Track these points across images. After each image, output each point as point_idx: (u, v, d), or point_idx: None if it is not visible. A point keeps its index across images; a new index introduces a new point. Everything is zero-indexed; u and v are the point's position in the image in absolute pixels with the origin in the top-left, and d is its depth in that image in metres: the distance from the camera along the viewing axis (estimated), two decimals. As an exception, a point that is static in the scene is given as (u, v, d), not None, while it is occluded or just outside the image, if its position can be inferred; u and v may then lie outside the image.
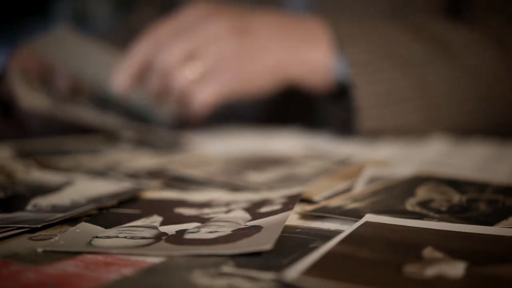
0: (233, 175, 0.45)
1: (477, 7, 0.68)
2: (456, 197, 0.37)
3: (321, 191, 0.39)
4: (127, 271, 0.26)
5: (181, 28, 0.62)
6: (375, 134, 0.62)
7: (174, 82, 0.62)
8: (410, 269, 0.25)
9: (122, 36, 0.86)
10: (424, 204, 0.36)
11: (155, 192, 0.40)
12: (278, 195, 0.38)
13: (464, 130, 0.63)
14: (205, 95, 0.62)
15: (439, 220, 0.33)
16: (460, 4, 0.70)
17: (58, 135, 0.62)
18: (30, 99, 0.64)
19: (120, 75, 0.64)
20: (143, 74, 0.64)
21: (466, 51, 0.62)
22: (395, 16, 0.70)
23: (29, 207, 0.36)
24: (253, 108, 0.79)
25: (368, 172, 0.44)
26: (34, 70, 0.68)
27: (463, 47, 0.63)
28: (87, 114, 0.66)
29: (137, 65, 0.63)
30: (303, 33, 0.63)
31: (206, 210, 0.35)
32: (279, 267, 0.26)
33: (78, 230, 0.31)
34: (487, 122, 0.64)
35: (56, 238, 0.30)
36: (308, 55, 0.62)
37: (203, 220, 0.33)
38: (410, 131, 0.62)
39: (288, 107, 0.76)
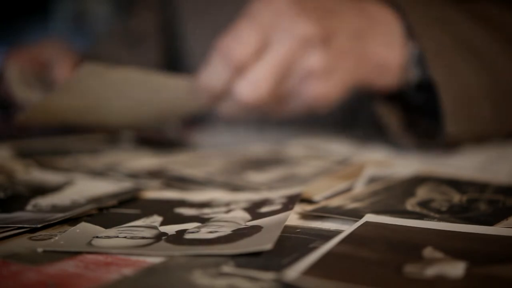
0: (233, 175, 0.45)
1: None
2: (457, 197, 0.37)
3: (321, 191, 0.39)
4: (127, 271, 0.26)
5: (264, 34, 0.51)
6: (455, 144, 0.55)
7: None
8: (410, 269, 0.25)
9: (121, 39, 0.86)
10: (424, 204, 0.36)
11: (155, 192, 0.40)
12: (278, 195, 0.38)
13: None
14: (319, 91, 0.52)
15: (439, 220, 0.33)
16: None
17: (58, 134, 0.62)
18: (26, 96, 0.64)
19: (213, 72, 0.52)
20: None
21: None
22: None
23: (29, 207, 0.36)
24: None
25: (368, 172, 0.44)
26: (31, 69, 0.68)
27: None
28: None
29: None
30: (377, 32, 0.54)
31: (206, 210, 0.35)
32: (279, 267, 0.26)
33: (78, 230, 0.31)
34: None
35: (56, 238, 0.30)
36: (382, 56, 0.54)
37: (203, 220, 0.33)
38: (487, 136, 0.56)
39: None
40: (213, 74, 0.51)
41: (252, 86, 0.50)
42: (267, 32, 0.50)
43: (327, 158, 0.51)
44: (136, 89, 0.51)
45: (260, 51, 0.50)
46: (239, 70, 0.50)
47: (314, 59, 0.50)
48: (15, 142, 0.57)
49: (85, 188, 0.40)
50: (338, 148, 0.58)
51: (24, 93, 0.64)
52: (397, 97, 0.57)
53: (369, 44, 0.53)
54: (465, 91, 0.53)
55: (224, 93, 0.52)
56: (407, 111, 0.58)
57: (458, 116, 0.53)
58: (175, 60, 0.84)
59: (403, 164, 0.48)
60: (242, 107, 0.52)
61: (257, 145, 0.59)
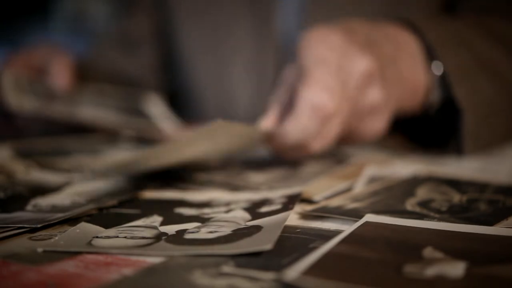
0: (233, 175, 0.45)
1: (473, 5, 0.66)
2: (456, 197, 0.37)
3: (321, 191, 0.39)
4: (127, 271, 0.26)
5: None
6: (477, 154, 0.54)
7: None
8: (410, 269, 0.25)
9: (116, 42, 0.86)
10: (424, 204, 0.36)
11: (155, 192, 0.40)
12: (278, 195, 0.38)
13: None
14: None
15: (439, 220, 0.33)
16: (455, 1, 0.68)
17: (58, 134, 0.62)
18: (21, 104, 0.64)
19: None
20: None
21: None
22: (389, 13, 0.67)
23: (29, 207, 0.36)
24: None
25: (368, 172, 0.44)
26: (27, 75, 0.68)
27: None
28: (85, 112, 0.66)
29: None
30: (404, 56, 0.52)
31: (206, 210, 0.35)
32: (279, 267, 0.26)
33: (78, 230, 0.31)
34: None
35: (56, 238, 0.30)
36: (412, 80, 0.52)
37: (203, 220, 0.33)
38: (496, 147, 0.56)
39: None
40: (302, 128, 0.46)
41: (325, 141, 0.47)
42: (339, 74, 0.47)
43: (327, 158, 0.51)
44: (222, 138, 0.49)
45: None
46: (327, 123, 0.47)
47: (375, 95, 0.49)
48: (15, 142, 0.57)
49: (85, 188, 0.40)
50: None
51: (19, 100, 0.64)
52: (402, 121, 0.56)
53: (401, 69, 0.52)
54: (487, 109, 0.53)
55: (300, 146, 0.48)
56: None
57: (478, 136, 0.53)
58: (170, 63, 0.84)
59: (403, 164, 0.48)
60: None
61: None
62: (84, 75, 0.75)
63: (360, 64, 0.48)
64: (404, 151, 0.56)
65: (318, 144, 0.47)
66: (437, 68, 0.53)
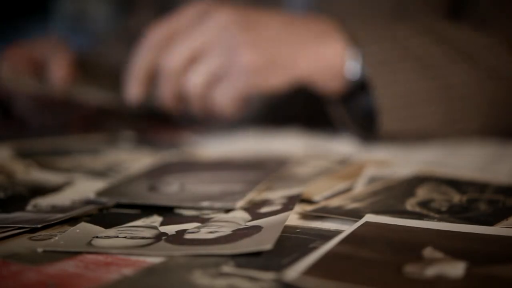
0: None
1: (480, 7, 0.67)
2: (456, 197, 0.37)
3: (321, 191, 0.39)
4: (127, 271, 0.26)
5: (180, 28, 0.60)
6: (394, 138, 0.59)
7: (184, 88, 0.60)
8: (410, 269, 0.25)
9: (121, 39, 0.86)
10: (424, 204, 0.36)
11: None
12: (278, 195, 0.38)
13: (481, 132, 0.61)
14: (223, 99, 0.59)
15: (439, 220, 0.33)
16: (462, 3, 0.68)
17: (58, 134, 0.62)
18: (18, 83, 0.64)
19: (130, 86, 0.62)
20: (151, 80, 0.62)
21: (484, 53, 0.61)
22: (396, 17, 0.68)
23: (29, 207, 0.36)
24: (257, 106, 0.75)
25: (368, 172, 0.44)
26: (25, 67, 0.68)
27: (482, 49, 0.61)
28: (84, 93, 0.66)
29: (143, 73, 0.61)
30: (314, 29, 0.60)
31: (206, 210, 0.35)
32: (279, 267, 0.26)
33: (78, 230, 0.31)
34: (504, 125, 0.62)
35: (56, 238, 0.30)
36: (321, 51, 0.59)
37: (203, 220, 0.33)
38: (430, 134, 0.60)
39: (292, 106, 0.73)
40: (138, 55, 0.61)
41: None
42: (186, 26, 0.59)
43: (327, 158, 0.51)
44: None
45: (178, 34, 0.60)
46: (161, 51, 0.60)
47: (231, 41, 0.57)
48: (15, 142, 0.57)
49: (85, 188, 0.40)
50: (339, 147, 0.58)
51: (15, 80, 0.64)
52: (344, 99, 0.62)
53: (304, 38, 0.59)
54: (405, 94, 0.58)
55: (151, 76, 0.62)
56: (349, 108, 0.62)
57: (394, 116, 0.58)
58: None
59: (403, 164, 0.48)
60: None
61: (258, 146, 0.59)
62: (87, 70, 0.75)
63: (215, 19, 0.58)
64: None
65: (170, 62, 0.59)
66: (355, 54, 0.58)
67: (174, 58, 0.59)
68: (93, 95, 0.67)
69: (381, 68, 0.58)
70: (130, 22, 0.88)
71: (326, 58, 0.58)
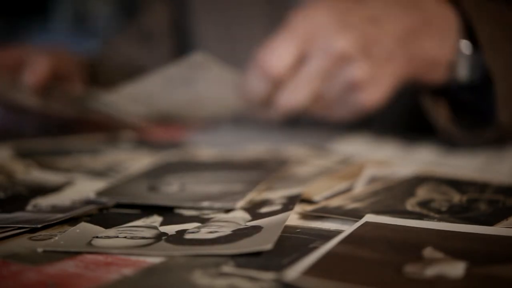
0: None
1: None
2: (457, 197, 0.37)
3: (321, 191, 0.39)
4: (127, 271, 0.26)
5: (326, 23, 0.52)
6: (505, 137, 0.55)
7: (331, 89, 0.53)
8: (410, 269, 0.25)
9: (133, 35, 0.85)
10: (424, 204, 0.36)
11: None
12: (278, 195, 0.38)
13: None
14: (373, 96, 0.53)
15: (439, 220, 0.33)
16: None
17: (58, 134, 0.62)
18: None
19: (256, 80, 0.53)
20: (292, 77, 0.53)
21: None
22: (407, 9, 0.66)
23: (29, 207, 0.36)
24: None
25: (368, 172, 0.44)
26: (6, 68, 0.66)
27: None
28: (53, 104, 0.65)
29: (282, 66, 0.51)
30: (431, 28, 0.54)
31: (206, 210, 0.35)
32: (279, 267, 0.26)
33: (78, 230, 0.31)
34: None
35: (56, 238, 0.30)
36: (432, 53, 0.54)
37: (203, 220, 0.33)
38: None
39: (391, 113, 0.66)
40: (251, 85, 0.52)
41: (290, 100, 0.52)
42: (304, 46, 0.51)
43: (327, 158, 0.51)
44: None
45: (297, 65, 0.51)
46: (277, 83, 0.51)
47: (354, 72, 0.51)
48: (15, 142, 0.57)
49: (85, 188, 0.40)
50: (345, 148, 0.57)
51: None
52: (444, 92, 0.57)
53: (420, 42, 0.54)
54: None
55: (263, 102, 0.53)
56: (453, 108, 0.58)
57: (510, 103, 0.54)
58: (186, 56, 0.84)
59: (403, 164, 0.48)
60: (281, 115, 0.54)
61: (258, 145, 0.59)
62: (96, 71, 0.74)
63: (335, 44, 0.50)
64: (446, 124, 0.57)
65: (282, 102, 0.52)
66: (467, 46, 0.54)
67: (326, 55, 0.51)
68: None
69: (498, 55, 0.54)
70: (142, 18, 0.87)
71: (435, 54, 0.54)
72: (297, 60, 0.51)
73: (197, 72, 0.52)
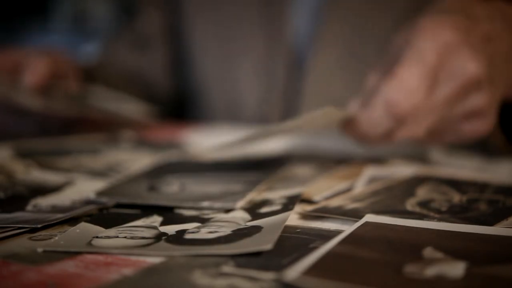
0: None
1: None
2: (457, 197, 0.37)
3: (321, 191, 0.39)
4: (127, 271, 0.26)
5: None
6: None
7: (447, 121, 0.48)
8: (410, 269, 0.25)
9: (127, 41, 0.85)
10: (424, 204, 0.36)
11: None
12: (278, 195, 0.38)
13: None
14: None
15: (440, 220, 0.33)
16: None
17: (58, 134, 0.62)
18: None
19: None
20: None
21: None
22: (408, 18, 0.65)
23: (29, 207, 0.36)
24: None
25: (368, 172, 0.44)
26: (5, 70, 0.66)
27: None
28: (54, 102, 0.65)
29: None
30: None
31: (206, 210, 0.35)
32: (279, 267, 0.26)
33: (78, 230, 0.31)
34: None
35: (56, 238, 0.30)
36: None
37: (203, 220, 0.33)
38: None
39: None
40: (373, 122, 0.46)
41: (408, 134, 0.47)
42: (435, 72, 0.46)
43: (327, 158, 0.51)
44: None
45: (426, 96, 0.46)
46: (402, 119, 0.46)
47: (479, 99, 0.47)
48: (15, 142, 0.57)
49: (85, 188, 0.40)
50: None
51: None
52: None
53: None
54: None
55: (379, 138, 0.48)
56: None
57: None
58: (181, 61, 0.84)
59: (403, 164, 0.48)
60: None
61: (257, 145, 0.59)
62: (94, 76, 0.74)
63: (468, 69, 0.46)
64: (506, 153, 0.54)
65: (402, 135, 0.46)
66: None
67: (457, 81, 0.46)
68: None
69: None
70: (137, 23, 0.87)
71: None
72: (428, 92, 0.46)
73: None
